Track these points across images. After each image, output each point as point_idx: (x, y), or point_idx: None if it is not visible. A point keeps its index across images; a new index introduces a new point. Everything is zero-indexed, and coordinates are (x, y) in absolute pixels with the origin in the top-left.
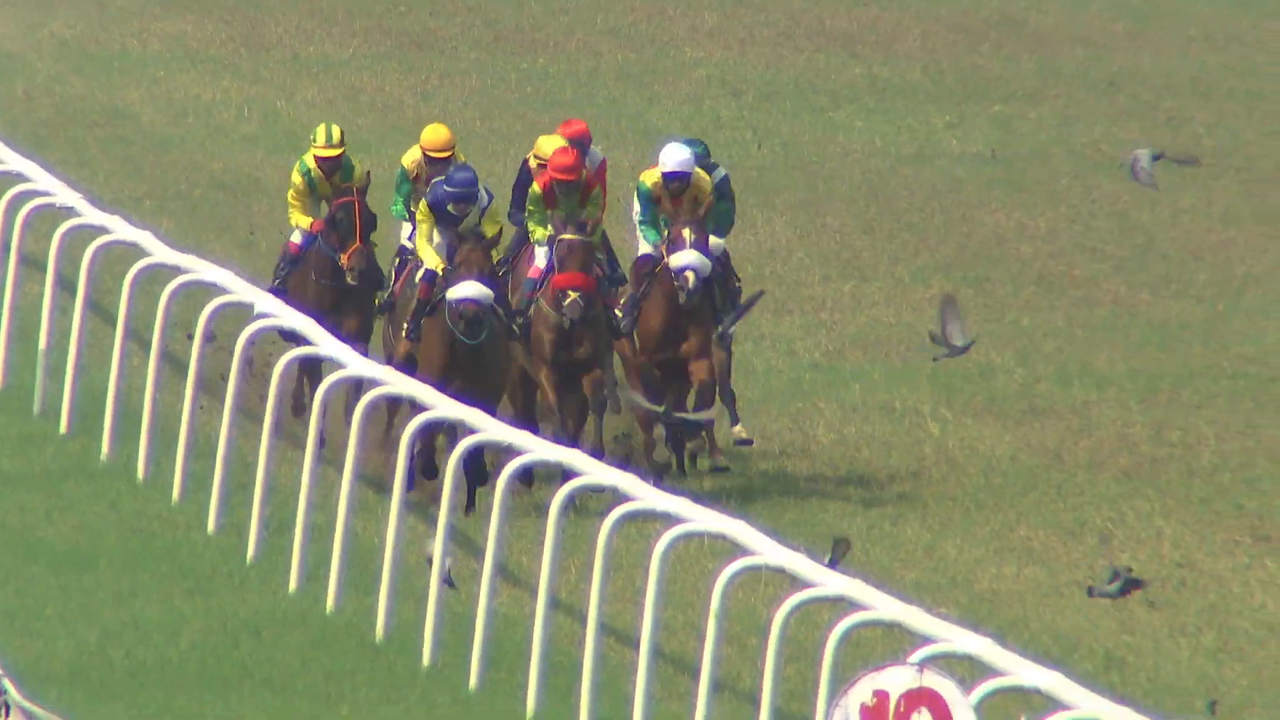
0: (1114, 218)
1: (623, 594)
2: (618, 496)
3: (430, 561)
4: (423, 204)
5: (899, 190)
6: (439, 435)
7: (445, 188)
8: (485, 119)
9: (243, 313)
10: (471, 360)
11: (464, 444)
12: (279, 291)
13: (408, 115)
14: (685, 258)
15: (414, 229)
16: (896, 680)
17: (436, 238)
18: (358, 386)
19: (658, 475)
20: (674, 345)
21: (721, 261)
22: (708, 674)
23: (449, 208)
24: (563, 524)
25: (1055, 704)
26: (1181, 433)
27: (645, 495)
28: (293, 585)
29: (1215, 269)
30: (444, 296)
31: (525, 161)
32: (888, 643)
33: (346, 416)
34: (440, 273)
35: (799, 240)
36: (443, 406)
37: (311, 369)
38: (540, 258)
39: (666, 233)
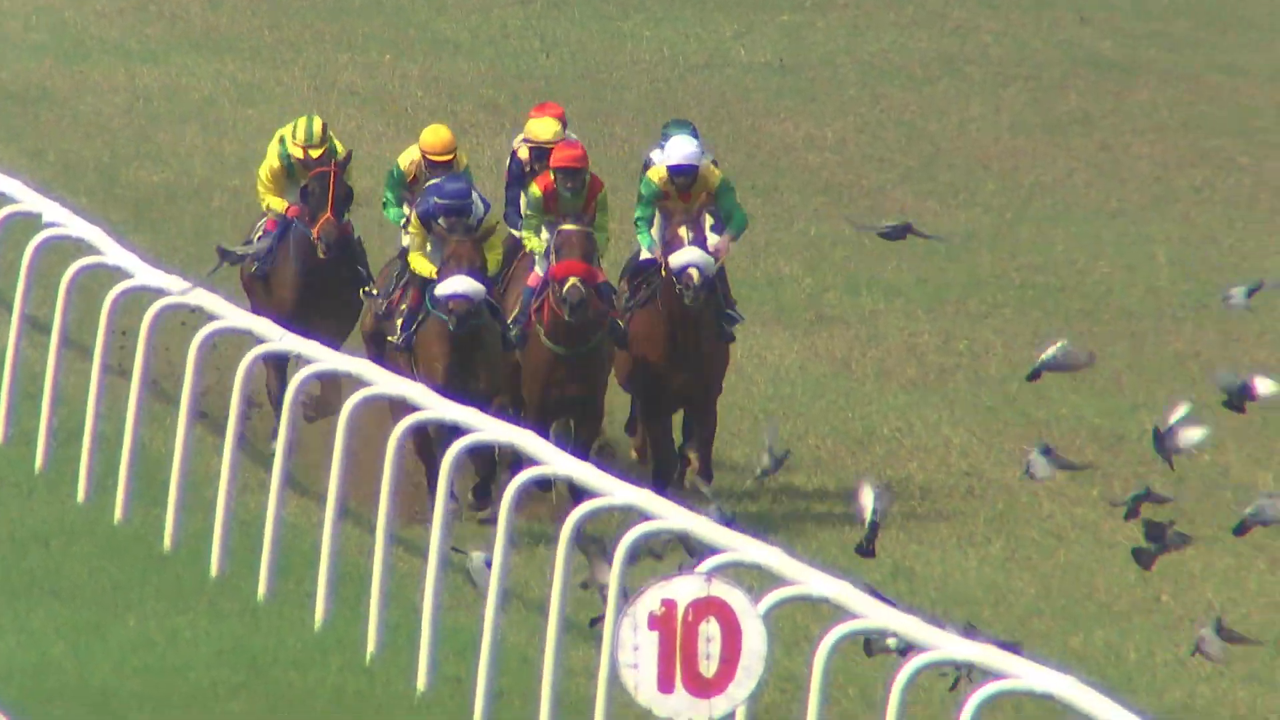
0: (902, 127)
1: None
2: (407, 406)
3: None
4: (413, 217)
5: (687, 100)
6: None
7: (435, 199)
8: (273, 28)
9: (31, 222)
10: (469, 355)
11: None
12: (259, 277)
13: (195, 24)
14: (686, 255)
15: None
16: (685, 589)
17: (429, 248)
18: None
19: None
20: (671, 363)
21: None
22: (496, 583)
23: (439, 221)
24: (352, 434)
25: (843, 613)
26: (969, 342)
27: (433, 404)
28: (81, 495)
29: (1003, 178)
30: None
31: (514, 152)
32: (676, 552)
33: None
34: (433, 278)
35: (587, 150)
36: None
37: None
38: (538, 267)
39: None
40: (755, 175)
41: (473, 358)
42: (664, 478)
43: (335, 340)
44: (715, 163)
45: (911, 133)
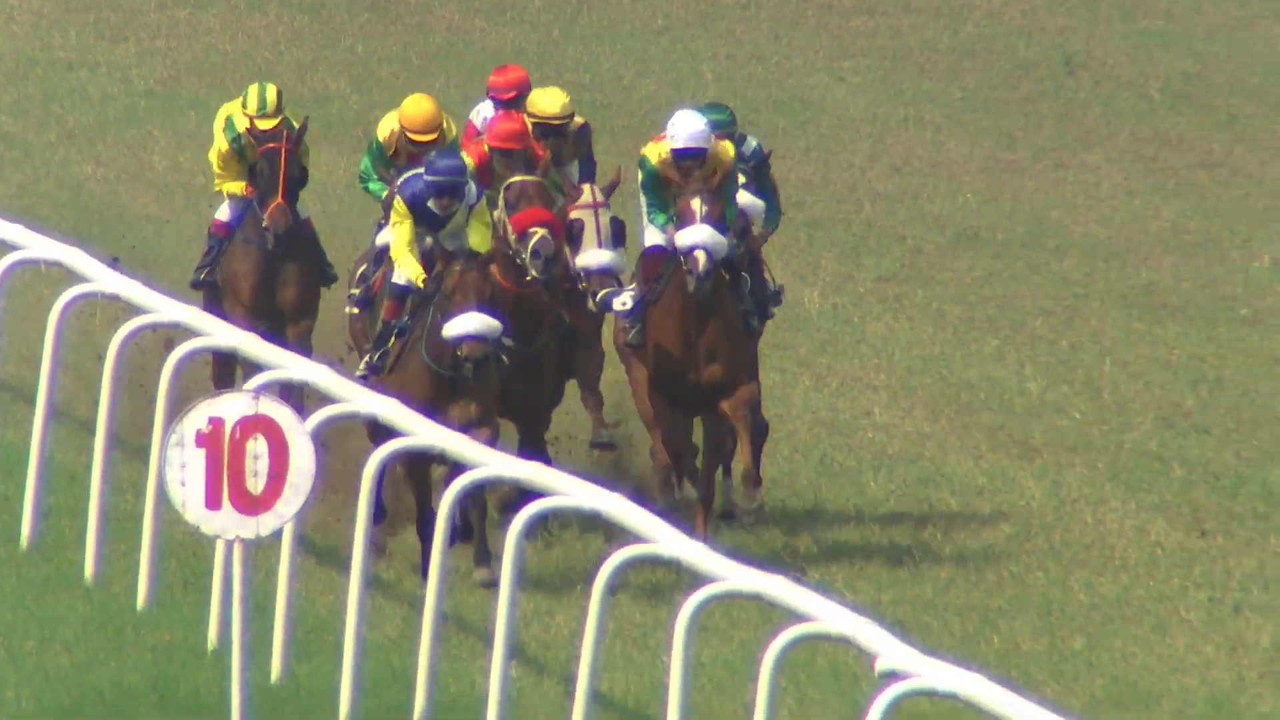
0: None
1: None
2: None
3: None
4: (397, 201)
5: None
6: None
7: (426, 177)
8: None
9: None
10: (456, 390)
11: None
12: (205, 285)
13: None
14: (694, 234)
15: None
16: (232, 407)
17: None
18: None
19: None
20: (696, 362)
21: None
22: (43, 402)
23: (430, 204)
24: None
25: (394, 431)
26: None
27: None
28: None
29: None
30: (425, 323)
31: (518, 114)
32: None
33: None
34: (419, 285)
35: None
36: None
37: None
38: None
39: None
40: None
41: (463, 385)
42: (706, 502)
43: (300, 341)
44: (755, 149)
45: None
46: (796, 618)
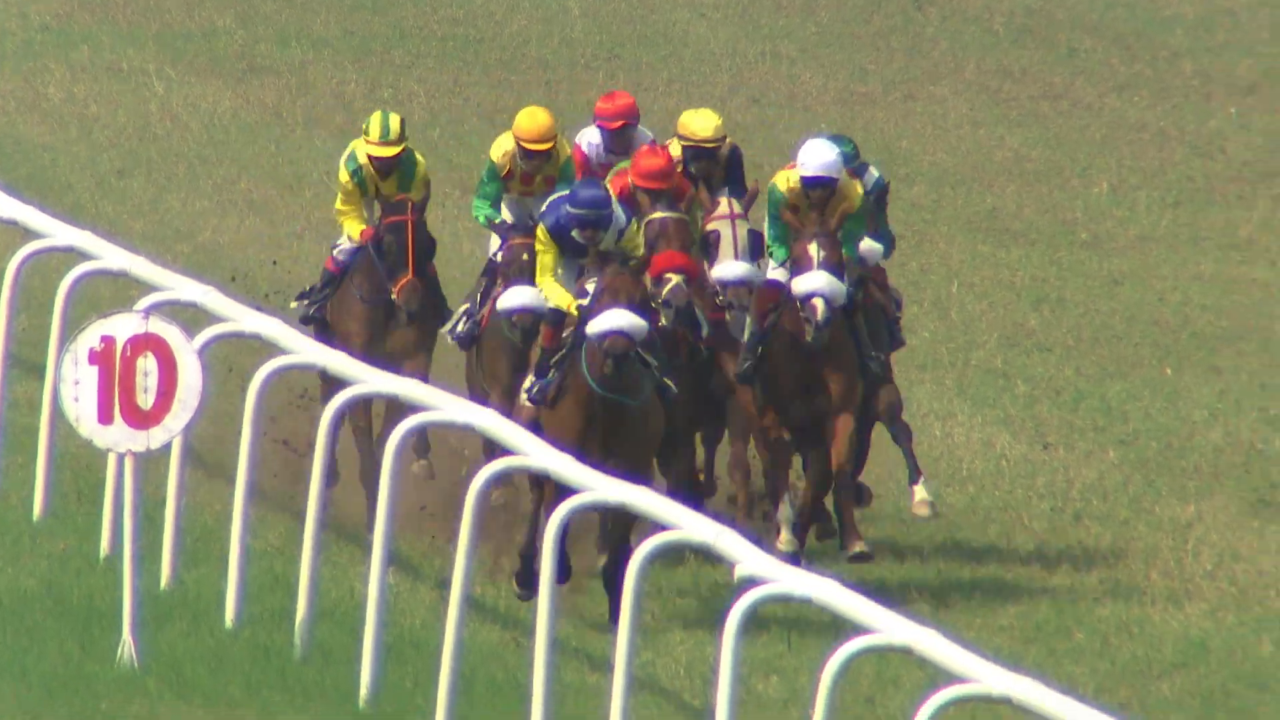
0: None
1: None
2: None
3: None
4: (540, 230)
5: None
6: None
7: (569, 208)
8: None
9: None
10: (618, 423)
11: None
12: (313, 321)
13: None
14: (812, 281)
15: (503, 241)
16: (123, 326)
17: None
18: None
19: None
20: (809, 397)
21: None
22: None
23: (574, 234)
24: None
25: (275, 349)
26: (393, 90)
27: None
28: None
29: None
30: (582, 339)
31: (664, 149)
32: (118, 291)
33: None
34: (572, 312)
35: None
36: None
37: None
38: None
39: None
40: None
41: (619, 421)
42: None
43: (418, 374)
44: (877, 180)
45: None
46: (659, 526)
